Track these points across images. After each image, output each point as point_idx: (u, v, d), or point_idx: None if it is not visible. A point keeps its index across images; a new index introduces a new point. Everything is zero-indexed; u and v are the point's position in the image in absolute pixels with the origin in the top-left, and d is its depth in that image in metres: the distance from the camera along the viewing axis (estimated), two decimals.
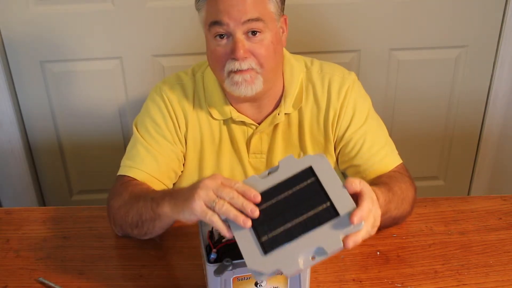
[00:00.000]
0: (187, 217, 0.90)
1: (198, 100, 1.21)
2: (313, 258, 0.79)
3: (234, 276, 0.88)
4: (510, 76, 1.93)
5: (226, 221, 0.84)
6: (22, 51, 1.81)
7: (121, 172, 1.18)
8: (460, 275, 1.04)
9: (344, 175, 1.28)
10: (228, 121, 1.21)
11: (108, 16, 1.77)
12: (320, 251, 0.79)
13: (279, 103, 1.19)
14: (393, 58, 1.90)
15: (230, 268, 0.86)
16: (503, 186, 2.14)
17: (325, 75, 1.21)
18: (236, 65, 1.07)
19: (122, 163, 1.20)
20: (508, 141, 2.06)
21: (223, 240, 0.89)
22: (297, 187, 0.85)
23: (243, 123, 1.20)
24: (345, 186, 0.84)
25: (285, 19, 1.15)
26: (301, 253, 0.79)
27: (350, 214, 0.80)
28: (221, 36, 1.07)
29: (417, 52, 1.90)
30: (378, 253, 1.10)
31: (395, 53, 1.90)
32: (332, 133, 1.20)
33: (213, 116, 1.20)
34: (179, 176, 1.25)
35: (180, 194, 0.93)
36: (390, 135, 1.24)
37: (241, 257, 0.84)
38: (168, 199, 0.96)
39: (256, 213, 0.82)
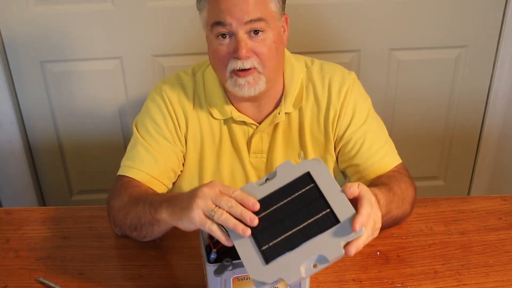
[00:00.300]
0: (185, 225, 0.89)
1: (198, 100, 1.21)
2: (314, 266, 0.79)
3: (234, 276, 0.88)
4: (510, 76, 1.93)
5: (225, 230, 0.84)
6: (22, 51, 1.81)
7: (121, 172, 1.18)
8: (460, 275, 1.04)
9: (344, 174, 1.28)
10: (228, 121, 1.21)
11: (108, 16, 1.77)
12: (321, 258, 0.79)
13: (280, 102, 1.20)
14: (393, 58, 1.90)
15: (230, 268, 0.86)
16: (503, 186, 2.14)
17: (325, 74, 1.21)
18: (238, 64, 1.07)
19: (122, 163, 1.20)
20: (508, 141, 2.06)
21: None
22: (296, 194, 0.85)
23: (243, 122, 1.20)
24: (343, 191, 0.83)
25: (286, 18, 1.15)
26: (303, 262, 0.79)
27: (350, 221, 0.80)
28: (224, 35, 1.07)
29: (417, 52, 1.90)
30: (378, 253, 1.10)
31: (395, 53, 1.90)
32: (332, 132, 1.20)
33: (214, 115, 1.20)
34: (179, 176, 1.25)
35: (178, 202, 0.92)
36: (390, 135, 1.24)
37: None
38: (166, 206, 0.95)
39: (255, 221, 0.82)
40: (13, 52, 1.81)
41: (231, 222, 0.82)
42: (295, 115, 1.21)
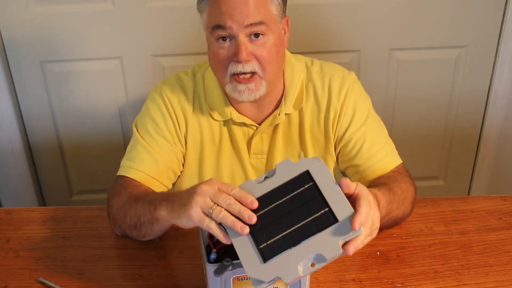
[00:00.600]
0: (184, 223, 0.89)
1: (198, 100, 1.21)
2: (312, 265, 0.79)
3: (234, 276, 0.88)
4: (510, 76, 1.93)
5: (224, 228, 0.84)
6: (22, 51, 1.81)
7: (121, 172, 1.18)
8: (460, 275, 1.04)
9: (344, 175, 1.28)
10: (228, 122, 1.21)
11: (108, 16, 1.77)
12: (319, 257, 0.79)
13: (280, 103, 1.19)
14: (393, 58, 1.90)
15: (230, 268, 0.86)
16: (503, 186, 2.14)
17: (325, 75, 1.21)
18: (239, 68, 1.07)
19: (122, 164, 1.20)
20: (508, 141, 2.06)
21: None
22: (295, 192, 0.85)
23: (243, 123, 1.20)
24: (338, 183, 0.83)
25: (287, 21, 1.15)
26: (301, 261, 0.79)
27: (348, 220, 0.80)
28: (224, 38, 1.07)
29: (417, 52, 1.90)
30: (378, 253, 1.10)
31: (395, 53, 1.90)
32: (333, 133, 1.20)
33: (213, 117, 1.20)
34: (179, 176, 1.25)
35: (177, 199, 0.92)
36: (390, 135, 1.24)
37: None
38: (165, 204, 0.95)
39: (253, 219, 0.82)
40: (13, 52, 1.81)
41: (229, 220, 0.82)
42: (295, 116, 1.21)
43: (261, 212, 0.84)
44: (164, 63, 1.86)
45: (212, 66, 1.14)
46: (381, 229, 0.87)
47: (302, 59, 1.25)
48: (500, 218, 1.20)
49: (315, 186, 0.84)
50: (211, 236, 0.91)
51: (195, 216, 0.86)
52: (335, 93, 1.19)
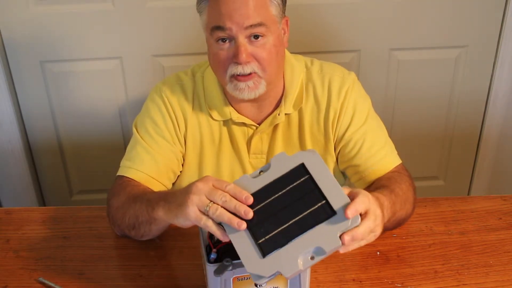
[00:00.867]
0: (182, 222, 0.90)
1: (198, 100, 1.21)
2: (312, 258, 0.79)
3: (234, 276, 0.88)
4: (510, 76, 1.93)
5: (221, 225, 0.84)
6: (22, 51, 1.81)
7: (120, 172, 1.18)
8: (460, 275, 1.04)
9: (344, 175, 1.28)
10: (228, 122, 1.21)
11: (108, 16, 1.77)
12: (318, 250, 0.79)
13: (279, 103, 1.19)
14: (393, 58, 1.90)
15: (230, 268, 0.86)
16: (503, 186, 2.14)
17: (325, 75, 1.21)
18: (239, 69, 1.07)
19: (121, 164, 1.20)
20: (508, 141, 2.06)
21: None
22: (291, 186, 0.85)
23: (243, 123, 1.20)
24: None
25: (287, 21, 1.15)
26: (300, 254, 0.79)
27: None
28: (223, 40, 1.07)
29: (417, 52, 1.90)
30: (378, 253, 1.10)
31: (395, 53, 1.90)
32: (332, 133, 1.20)
33: (213, 117, 1.20)
34: (179, 176, 1.25)
35: (173, 199, 0.92)
36: (390, 135, 1.24)
37: None
38: (162, 204, 0.95)
39: (249, 214, 0.82)
40: (13, 52, 1.81)
41: (226, 216, 0.82)
42: (295, 116, 1.21)
43: (258, 207, 0.83)
44: (164, 63, 1.86)
45: (212, 66, 1.14)
46: (386, 231, 0.87)
47: (302, 59, 1.25)
48: (500, 218, 1.20)
49: (311, 179, 0.84)
50: (211, 236, 0.91)
51: (192, 215, 0.86)
52: (335, 93, 1.19)
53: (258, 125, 1.20)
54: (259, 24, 1.05)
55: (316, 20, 1.82)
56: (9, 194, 2.03)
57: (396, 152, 1.22)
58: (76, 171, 2.04)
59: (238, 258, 0.83)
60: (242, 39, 1.06)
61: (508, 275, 1.04)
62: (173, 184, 1.25)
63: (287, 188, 0.85)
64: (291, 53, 1.23)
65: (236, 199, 0.84)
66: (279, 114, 1.19)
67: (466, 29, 1.87)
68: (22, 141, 1.94)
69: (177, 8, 1.77)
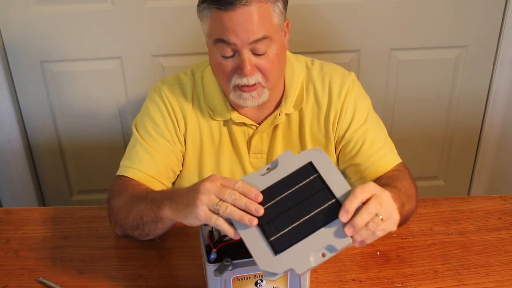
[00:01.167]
0: (191, 222, 0.90)
1: (198, 100, 1.21)
2: (323, 255, 0.80)
3: (234, 276, 0.88)
4: (510, 76, 1.93)
5: (231, 223, 0.84)
6: (22, 51, 1.81)
7: (120, 172, 1.18)
8: (460, 275, 1.04)
9: (344, 175, 1.28)
10: (228, 122, 1.21)
11: (108, 16, 1.77)
12: (330, 248, 0.80)
13: (280, 103, 1.19)
14: (393, 58, 1.90)
15: (230, 268, 0.86)
16: (503, 186, 2.14)
17: (325, 75, 1.21)
18: (243, 81, 1.07)
19: (121, 163, 1.20)
20: (508, 141, 2.06)
21: (224, 240, 0.89)
22: (300, 184, 0.85)
23: (243, 123, 1.20)
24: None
25: (288, 23, 1.15)
26: (312, 252, 0.80)
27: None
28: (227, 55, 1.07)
29: (417, 52, 1.90)
30: (378, 253, 1.10)
31: (395, 53, 1.90)
32: (333, 133, 1.21)
33: (213, 117, 1.20)
34: (179, 175, 1.25)
35: (181, 198, 0.92)
36: (390, 135, 1.25)
37: (241, 257, 0.84)
38: (168, 203, 0.95)
39: (261, 211, 0.83)
40: (13, 52, 1.81)
41: (237, 214, 0.83)
42: (295, 116, 1.21)
43: (268, 205, 0.84)
44: (164, 63, 1.86)
45: (215, 74, 1.14)
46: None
47: (302, 59, 1.25)
48: (500, 218, 1.20)
49: (320, 177, 0.85)
50: (211, 236, 0.91)
51: (202, 214, 0.86)
52: (335, 94, 1.19)
53: (258, 125, 1.20)
54: (264, 37, 1.04)
55: (316, 20, 1.82)
56: (9, 194, 2.03)
57: (396, 151, 1.22)
58: (76, 171, 2.04)
59: (238, 258, 0.84)
60: (246, 53, 1.05)
61: (508, 275, 1.04)
62: (173, 183, 1.26)
63: (296, 187, 0.85)
64: (291, 53, 1.23)
65: (245, 196, 0.84)
66: (279, 114, 1.19)
67: (466, 29, 1.86)
68: (22, 141, 1.94)
69: (177, 8, 1.77)
